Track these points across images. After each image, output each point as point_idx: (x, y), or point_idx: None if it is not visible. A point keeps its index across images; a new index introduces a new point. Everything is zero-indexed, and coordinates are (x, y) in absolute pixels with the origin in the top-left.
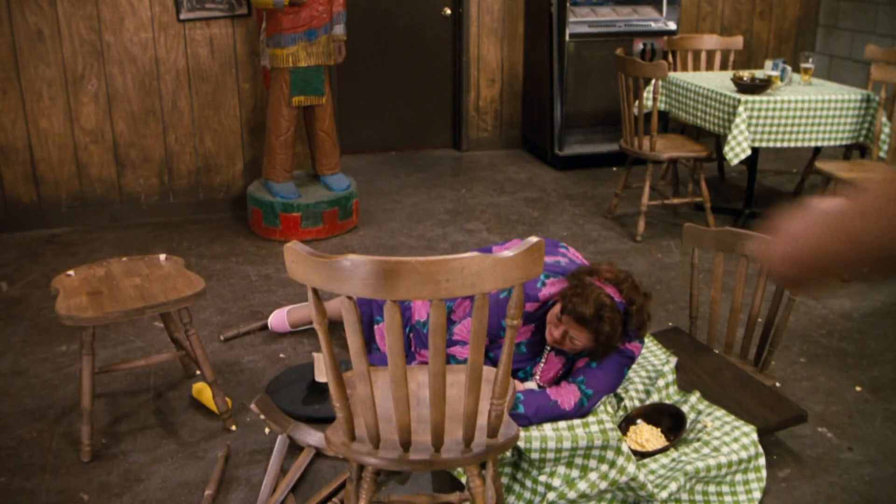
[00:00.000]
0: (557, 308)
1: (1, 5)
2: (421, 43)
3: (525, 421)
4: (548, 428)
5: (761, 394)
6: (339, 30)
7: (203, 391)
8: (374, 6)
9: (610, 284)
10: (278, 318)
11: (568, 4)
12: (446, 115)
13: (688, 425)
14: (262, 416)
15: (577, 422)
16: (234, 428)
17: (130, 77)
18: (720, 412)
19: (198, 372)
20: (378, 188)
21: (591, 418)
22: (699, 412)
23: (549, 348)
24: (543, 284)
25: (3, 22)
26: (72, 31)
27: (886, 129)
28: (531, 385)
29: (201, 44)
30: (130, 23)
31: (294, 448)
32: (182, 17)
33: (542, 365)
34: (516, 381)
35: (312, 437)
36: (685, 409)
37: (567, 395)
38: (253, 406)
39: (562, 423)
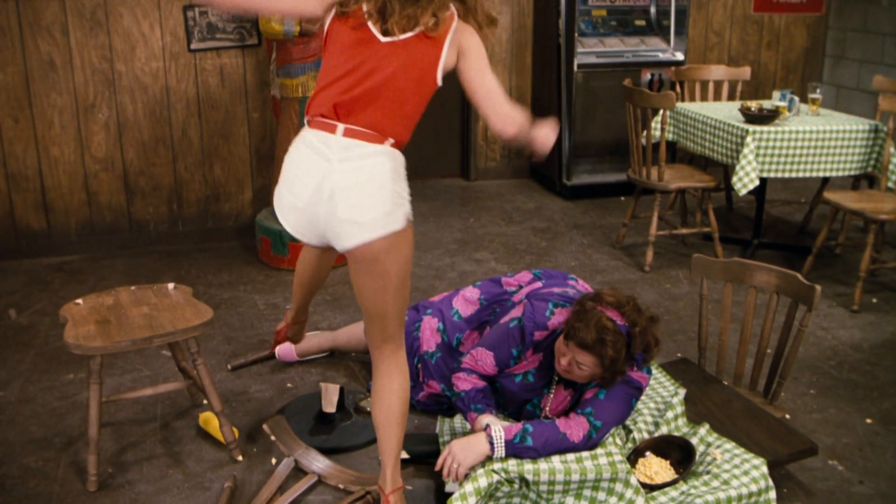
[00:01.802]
0: (563, 336)
1: (14, 35)
2: None
3: (533, 453)
4: (556, 460)
5: (771, 426)
6: None
7: (210, 421)
8: None
9: (612, 308)
10: (286, 348)
11: (576, 35)
12: (454, 145)
13: (697, 458)
14: (273, 437)
15: (585, 454)
16: (240, 458)
17: (141, 106)
18: (730, 444)
19: (205, 401)
20: None
21: (599, 450)
22: (708, 444)
23: (556, 379)
24: (552, 313)
25: (16, 51)
26: (84, 60)
27: (895, 160)
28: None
29: (211, 73)
30: (142, 52)
31: (301, 473)
32: (193, 46)
33: (550, 397)
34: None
35: (319, 463)
36: (694, 441)
37: (575, 427)
38: (265, 426)
39: (570, 456)
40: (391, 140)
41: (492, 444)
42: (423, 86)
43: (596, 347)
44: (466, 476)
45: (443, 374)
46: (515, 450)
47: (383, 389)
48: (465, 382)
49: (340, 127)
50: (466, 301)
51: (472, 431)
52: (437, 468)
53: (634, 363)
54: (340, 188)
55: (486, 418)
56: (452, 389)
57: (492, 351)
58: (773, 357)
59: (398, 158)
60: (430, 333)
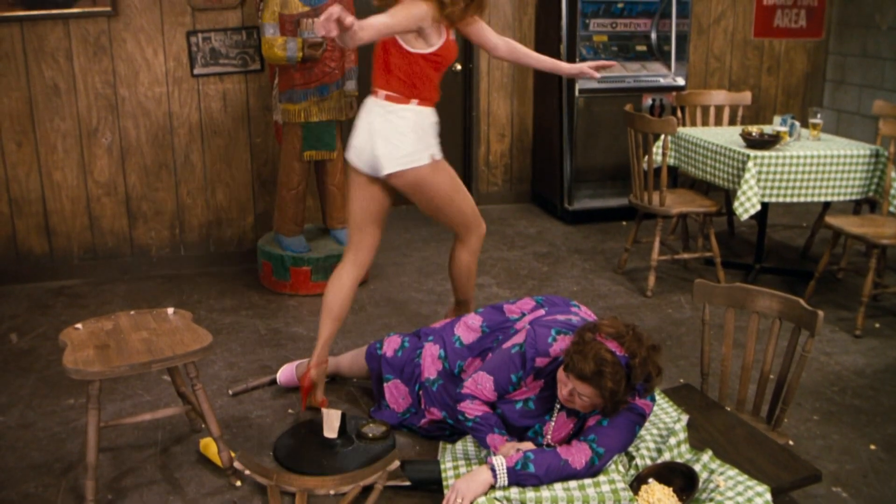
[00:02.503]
0: (562, 366)
1: (19, 60)
2: None
3: (535, 480)
4: (558, 488)
5: (774, 453)
6: (351, 85)
7: (210, 446)
8: None
9: (611, 339)
10: (287, 373)
11: (577, 60)
12: (456, 169)
13: (700, 485)
14: (248, 472)
15: (587, 481)
16: (238, 484)
17: (144, 130)
18: (733, 471)
19: (204, 426)
20: (388, 242)
21: (601, 477)
22: (712, 471)
23: (558, 406)
24: (554, 340)
25: (20, 76)
26: (87, 85)
27: None
28: (528, 445)
29: (214, 98)
30: (145, 77)
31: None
32: (196, 72)
33: (552, 424)
34: (525, 443)
35: (298, 481)
36: (697, 467)
37: (578, 454)
38: (236, 464)
39: (572, 483)
40: (415, 100)
41: (494, 472)
42: (398, 53)
43: (595, 379)
44: None
45: (444, 402)
46: (518, 477)
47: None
48: (474, 409)
49: (381, 93)
50: (468, 328)
51: (496, 454)
52: None
53: (636, 393)
54: (376, 133)
55: (513, 444)
56: (462, 416)
57: (492, 376)
58: (776, 383)
59: (423, 113)
60: (431, 360)
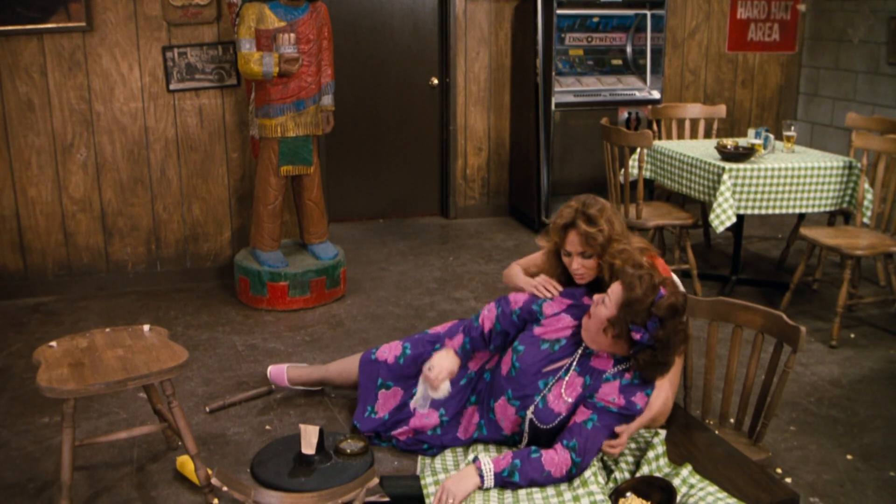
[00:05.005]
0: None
1: None
2: (409, 112)
3: (518, 488)
4: (538, 498)
5: (754, 474)
6: (328, 100)
7: (186, 464)
8: (363, 76)
9: (662, 283)
10: (278, 372)
11: (553, 74)
12: (434, 183)
13: (679, 499)
14: (226, 488)
15: (567, 495)
16: (216, 502)
17: (119, 146)
18: (713, 487)
19: (180, 444)
20: (365, 256)
21: (580, 490)
22: (691, 486)
23: (572, 367)
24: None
25: None
26: (62, 100)
27: (869, 196)
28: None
29: (190, 113)
30: (121, 93)
31: None
32: (172, 87)
33: (564, 381)
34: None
35: (273, 498)
36: (677, 482)
37: (560, 465)
38: (214, 481)
39: (550, 490)
40: None
41: (481, 475)
42: None
43: (628, 275)
44: None
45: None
46: (503, 482)
47: None
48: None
49: None
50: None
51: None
52: None
53: (645, 328)
54: None
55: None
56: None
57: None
58: (758, 397)
59: None
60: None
